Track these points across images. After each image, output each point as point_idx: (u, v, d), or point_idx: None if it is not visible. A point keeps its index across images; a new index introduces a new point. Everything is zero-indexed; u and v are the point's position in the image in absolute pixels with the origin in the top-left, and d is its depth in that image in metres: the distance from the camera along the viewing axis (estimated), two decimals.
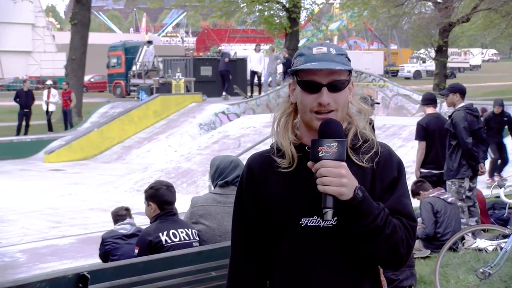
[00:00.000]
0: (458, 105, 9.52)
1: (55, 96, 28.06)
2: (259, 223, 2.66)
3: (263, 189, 2.64)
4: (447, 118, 9.76)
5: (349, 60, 2.60)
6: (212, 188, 5.62)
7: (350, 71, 2.59)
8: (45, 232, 13.28)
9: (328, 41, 2.73)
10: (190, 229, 5.48)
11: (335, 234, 2.51)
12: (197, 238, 5.44)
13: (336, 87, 2.52)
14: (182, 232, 5.46)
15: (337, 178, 2.38)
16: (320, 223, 2.52)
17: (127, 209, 7.49)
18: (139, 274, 4.62)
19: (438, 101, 11.36)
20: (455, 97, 9.56)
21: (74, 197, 17.23)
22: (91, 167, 22.76)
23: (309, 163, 2.46)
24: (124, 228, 7.08)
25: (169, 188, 5.81)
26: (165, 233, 5.47)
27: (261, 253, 2.68)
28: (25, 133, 27.02)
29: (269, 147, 2.71)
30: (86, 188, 18.38)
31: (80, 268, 4.53)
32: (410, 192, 9.14)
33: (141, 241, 5.52)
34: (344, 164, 2.41)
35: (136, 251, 5.50)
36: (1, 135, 26.43)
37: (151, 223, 5.76)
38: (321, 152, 2.41)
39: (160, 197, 5.71)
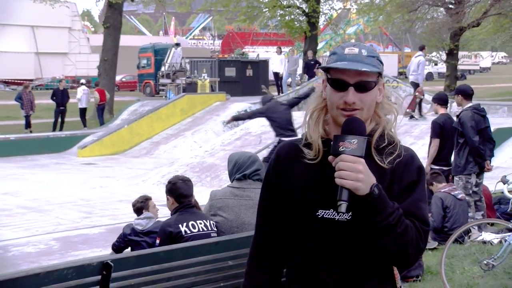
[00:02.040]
0: (465, 105, 9.52)
1: (79, 93, 28.19)
2: (281, 208, 2.64)
3: (287, 176, 2.63)
4: (456, 118, 9.74)
5: (381, 62, 2.57)
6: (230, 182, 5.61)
7: (380, 73, 2.55)
8: (77, 222, 13.34)
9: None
10: (208, 221, 5.48)
11: (348, 229, 2.49)
12: (215, 229, 5.44)
13: (363, 87, 2.49)
14: (200, 224, 5.46)
15: (353, 173, 2.36)
16: (336, 216, 2.49)
17: (143, 201, 7.45)
18: (160, 262, 4.61)
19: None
20: (459, 98, 9.61)
21: (105, 190, 17.28)
22: (121, 161, 22.83)
23: (330, 157, 2.44)
24: (140, 223, 7.08)
25: (185, 182, 5.80)
26: (184, 224, 5.47)
27: (282, 238, 2.66)
28: (61, 129, 27.21)
29: (300, 137, 2.69)
30: (116, 181, 18.43)
31: (104, 257, 4.53)
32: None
33: (162, 232, 5.53)
34: (362, 160, 2.38)
35: (158, 241, 5.52)
36: (38, 131, 26.67)
37: (171, 215, 5.77)
38: (341, 147, 2.39)
39: (176, 190, 5.71)
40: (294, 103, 13.89)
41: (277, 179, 2.67)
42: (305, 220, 2.56)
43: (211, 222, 5.46)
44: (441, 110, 10.18)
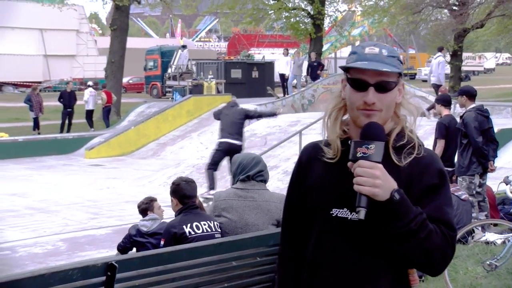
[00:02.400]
0: (468, 106, 9.51)
1: (86, 95, 28.23)
2: (302, 208, 2.64)
3: (307, 176, 2.63)
4: (459, 119, 9.72)
5: (401, 62, 2.53)
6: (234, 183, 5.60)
7: (400, 73, 2.51)
8: (84, 223, 13.36)
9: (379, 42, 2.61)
10: (212, 222, 5.47)
11: (360, 229, 2.45)
12: (219, 230, 5.42)
13: (383, 87, 2.45)
14: (204, 225, 5.46)
15: (370, 179, 2.33)
16: (348, 215, 2.47)
17: (148, 202, 7.46)
18: (164, 263, 4.60)
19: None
20: (463, 99, 9.58)
21: (112, 191, 17.30)
22: (128, 162, 22.83)
23: (349, 163, 2.41)
24: (145, 225, 7.09)
25: (189, 183, 5.80)
26: (188, 225, 5.47)
27: (303, 237, 2.65)
28: (68, 131, 27.29)
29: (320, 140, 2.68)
30: (123, 182, 18.45)
31: (109, 258, 4.53)
32: None
33: (167, 233, 5.53)
34: (380, 166, 2.35)
35: (162, 242, 5.52)
36: (46, 133, 26.73)
37: (175, 216, 5.77)
38: (359, 153, 2.37)
39: (180, 191, 5.72)
40: (248, 114, 14.06)
41: (298, 179, 2.68)
42: (320, 219, 2.55)
43: (215, 223, 5.45)
44: (445, 111, 10.13)
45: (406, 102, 2.57)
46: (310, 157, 2.64)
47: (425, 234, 2.36)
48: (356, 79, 2.47)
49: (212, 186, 13.86)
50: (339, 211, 2.50)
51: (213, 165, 13.98)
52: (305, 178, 2.64)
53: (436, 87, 20.41)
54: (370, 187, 2.32)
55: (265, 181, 5.45)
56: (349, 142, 2.48)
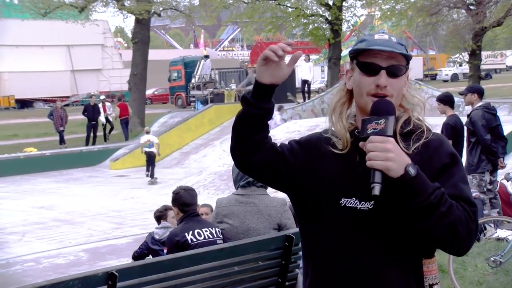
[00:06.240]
0: (476, 104, 9.40)
1: (110, 108, 28.34)
2: (284, 164, 2.55)
3: (315, 166, 2.54)
4: (466, 117, 9.61)
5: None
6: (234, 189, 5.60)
7: (408, 62, 2.48)
8: (108, 233, 13.46)
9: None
10: (214, 228, 5.47)
11: (369, 219, 2.39)
12: (221, 236, 5.41)
13: (394, 72, 2.42)
14: (206, 231, 5.46)
15: (382, 153, 2.24)
16: (357, 205, 2.41)
17: (163, 211, 7.53)
18: (165, 271, 4.60)
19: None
20: (473, 96, 9.46)
21: (136, 200, 17.41)
22: None
23: (360, 143, 2.34)
24: (157, 233, 7.16)
25: (188, 191, 5.80)
26: (190, 232, 5.47)
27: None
28: (93, 143, 27.47)
29: (324, 130, 2.60)
30: (147, 192, 18.54)
31: (110, 267, 4.55)
32: None
33: (170, 241, 5.54)
34: (391, 139, 2.28)
35: (165, 251, 5.53)
36: (72, 146, 26.96)
37: (177, 225, 5.77)
38: (369, 129, 2.32)
39: (178, 200, 5.73)
40: None
41: (298, 149, 2.59)
42: (329, 209, 2.48)
43: (217, 229, 5.45)
44: (450, 112, 9.92)
45: (410, 94, 2.53)
46: (316, 146, 2.56)
47: (446, 208, 2.27)
48: (368, 63, 2.43)
49: None
50: (348, 200, 2.43)
51: None
52: (314, 167, 2.53)
53: None
54: (382, 161, 2.24)
55: (265, 186, 5.43)
56: (356, 131, 2.45)
